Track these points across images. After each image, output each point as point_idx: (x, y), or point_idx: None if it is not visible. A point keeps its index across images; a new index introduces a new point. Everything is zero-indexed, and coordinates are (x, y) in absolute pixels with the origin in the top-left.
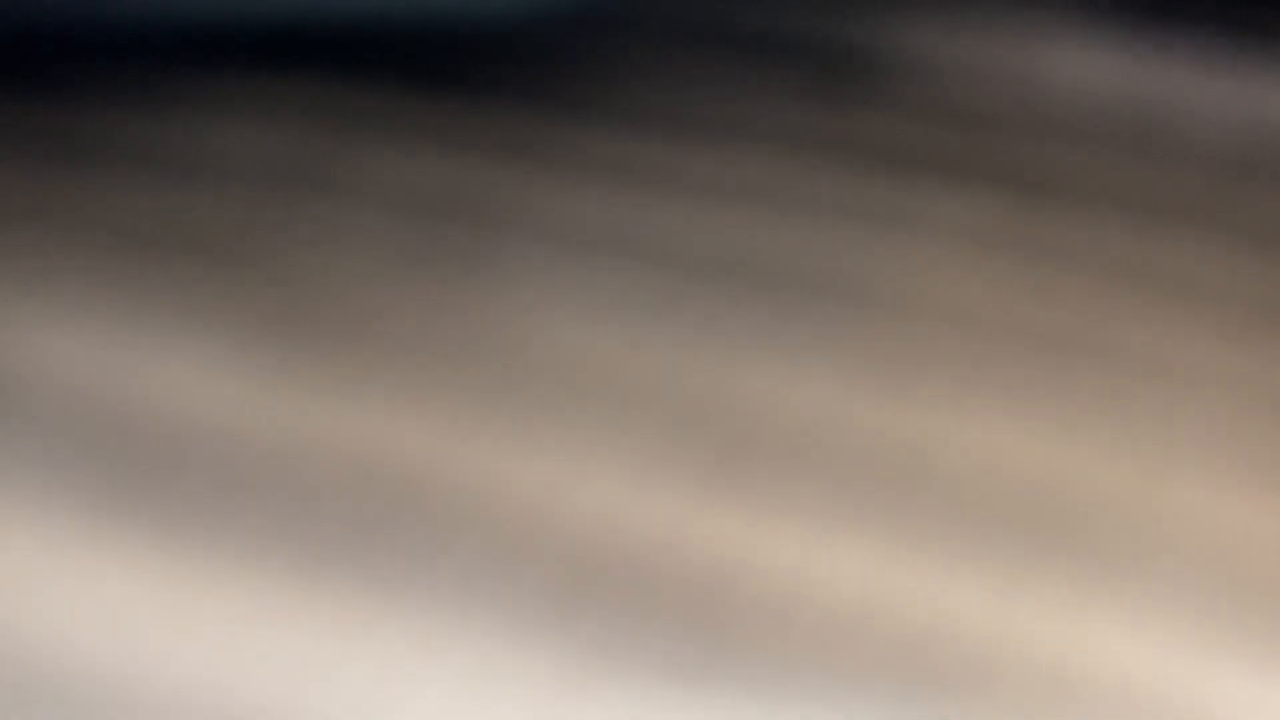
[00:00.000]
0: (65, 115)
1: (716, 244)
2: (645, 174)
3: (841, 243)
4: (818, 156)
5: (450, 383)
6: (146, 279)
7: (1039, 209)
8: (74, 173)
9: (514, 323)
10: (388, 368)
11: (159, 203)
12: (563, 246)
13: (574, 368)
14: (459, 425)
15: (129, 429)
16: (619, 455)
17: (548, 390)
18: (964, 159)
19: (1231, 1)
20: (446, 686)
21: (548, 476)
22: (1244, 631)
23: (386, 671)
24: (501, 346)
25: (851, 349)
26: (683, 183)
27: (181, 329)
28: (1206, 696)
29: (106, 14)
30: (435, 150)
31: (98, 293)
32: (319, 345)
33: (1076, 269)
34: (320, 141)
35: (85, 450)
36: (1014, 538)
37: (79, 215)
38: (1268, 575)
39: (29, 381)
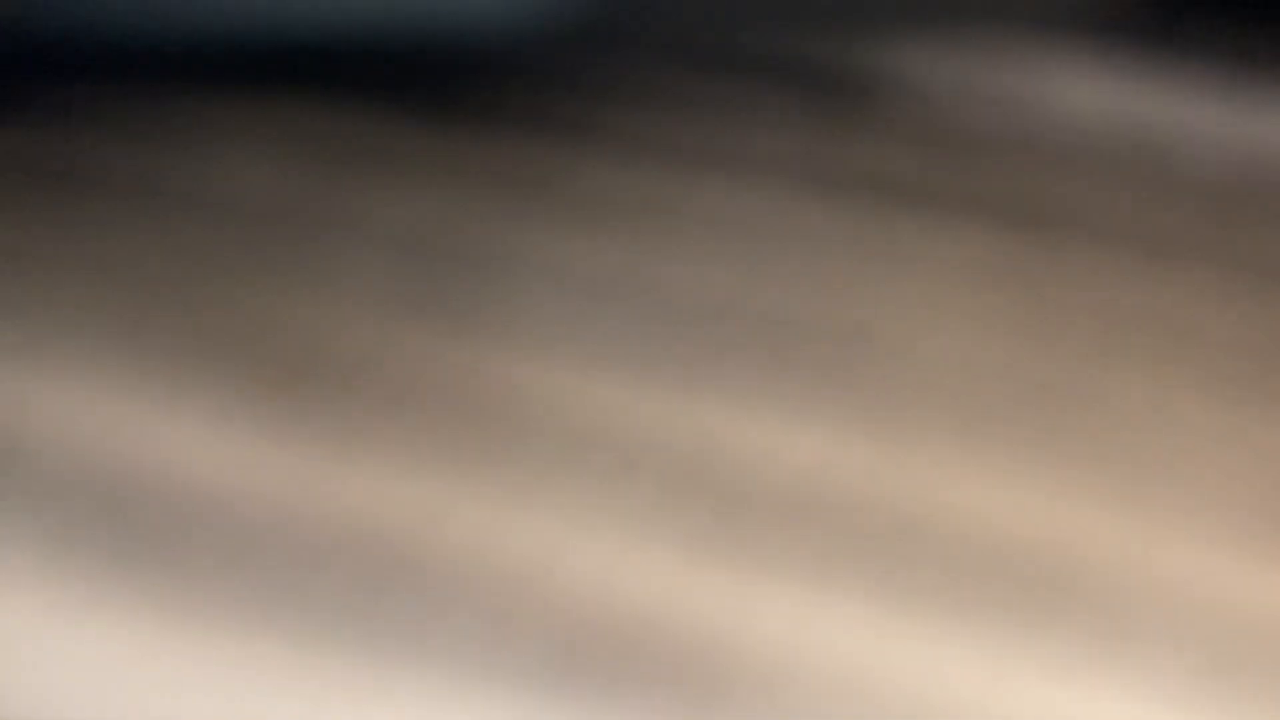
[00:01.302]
0: (59, 146)
1: (711, 284)
2: (641, 207)
3: (837, 281)
4: (814, 187)
5: (445, 438)
6: (137, 325)
7: (1036, 243)
8: (66, 206)
9: (509, 371)
10: (383, 422)
11: (152, 240)
12: (558, 287)
13: (568, 422)
14: (454, 484)
15: (117, 486)
16: (612, 517)
17: (543, 445)
18: (961, 189)
19: (1231, 29)
20: None
21: (541, 539)
22: (1239, 696)
23: None
24: (497, 397)
25: (846, 398)
26: (680, 216)
27: (176, 381)
28: None
29: (102, 42)
30: (432, 183)
31: (87, 339)
32: (314, 399)
33: (1073, 309)
34: (317, 173)
35: (74, 507)
36: (1008, 600)
37: (70, 253)
38: (1266, 639)
39: (18, 434)
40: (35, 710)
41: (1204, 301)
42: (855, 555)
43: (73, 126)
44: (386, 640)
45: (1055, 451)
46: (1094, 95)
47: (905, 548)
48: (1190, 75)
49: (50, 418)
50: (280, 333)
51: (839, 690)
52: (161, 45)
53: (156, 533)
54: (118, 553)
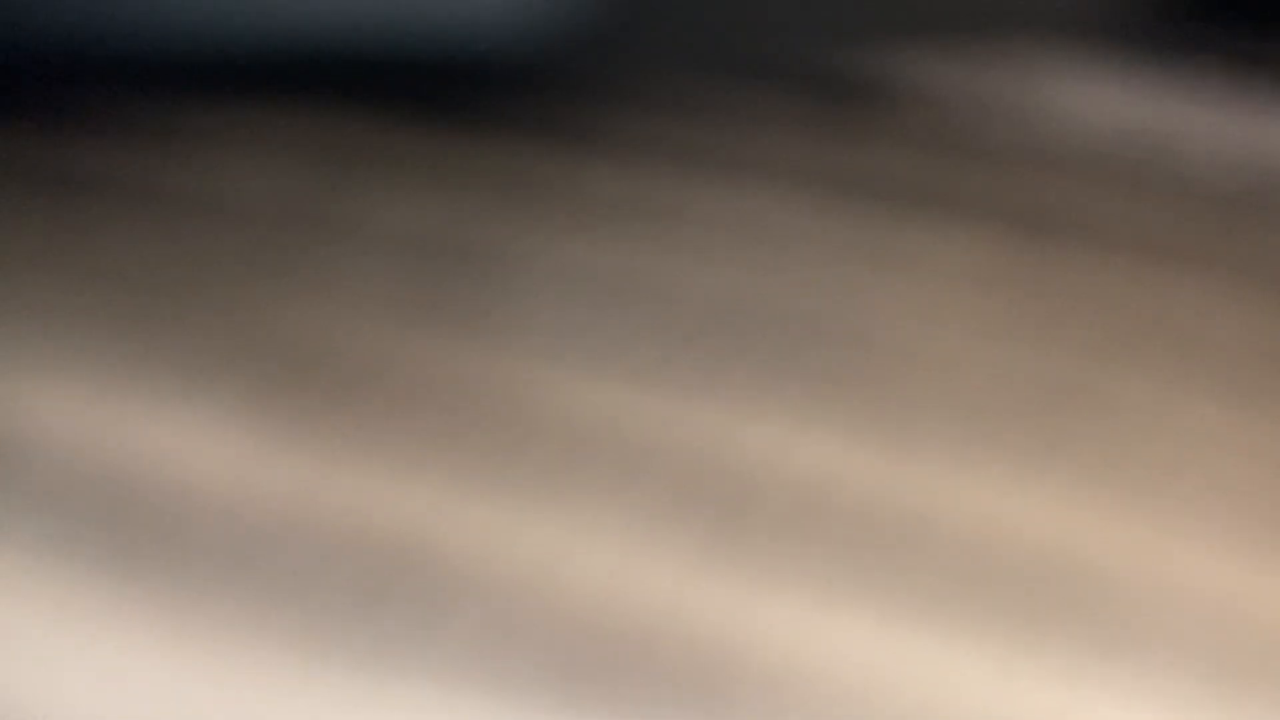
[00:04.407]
0: (60, 150)
1: (718, 287)
2: (647, 211)
3: (844, 284)
4: (820, 191)
5: (450, 444)
6: (141, 329)
7: (1042, 248)
8: (67, 210)
9: (513, 376)
10: (387, 427)
11: (156, 245)
12: (563, 289)
13: (574, 425)
14: (458, 489)
15: (121, 490)
16: (618, 521)
17: (547, 451)
18: (967, 194)
19: (1235, 35)
20: None
21: (547, 543)
22: (1247, 702)
23: None
24: (501, 402)
25: (853, 402)
26: (685, 221)
27: (179, 385)
28: None
29: (104, 47)
30: (437, 187)
31: (91, 343)
32: (317, 403)
33: (1079, 314)
34: (321, 178)
35: (77, 511)
36: (1014, 605)
37: (72, 257)
38: (1271, 643)
39: (20, 438)
40: (36, 712)
41: (1211, 307)
42: (862, 560)
43: (77, 132)
44: (390, 645)
45: (1062, 455)
46: (1102, 102)
47: (912, 552)
48: (1198, 82)
49: (52, 419)
50: (284, 336)
51: (845, 696)
52: (168, 54)
53: (159, 536)
54: (119, 555)
